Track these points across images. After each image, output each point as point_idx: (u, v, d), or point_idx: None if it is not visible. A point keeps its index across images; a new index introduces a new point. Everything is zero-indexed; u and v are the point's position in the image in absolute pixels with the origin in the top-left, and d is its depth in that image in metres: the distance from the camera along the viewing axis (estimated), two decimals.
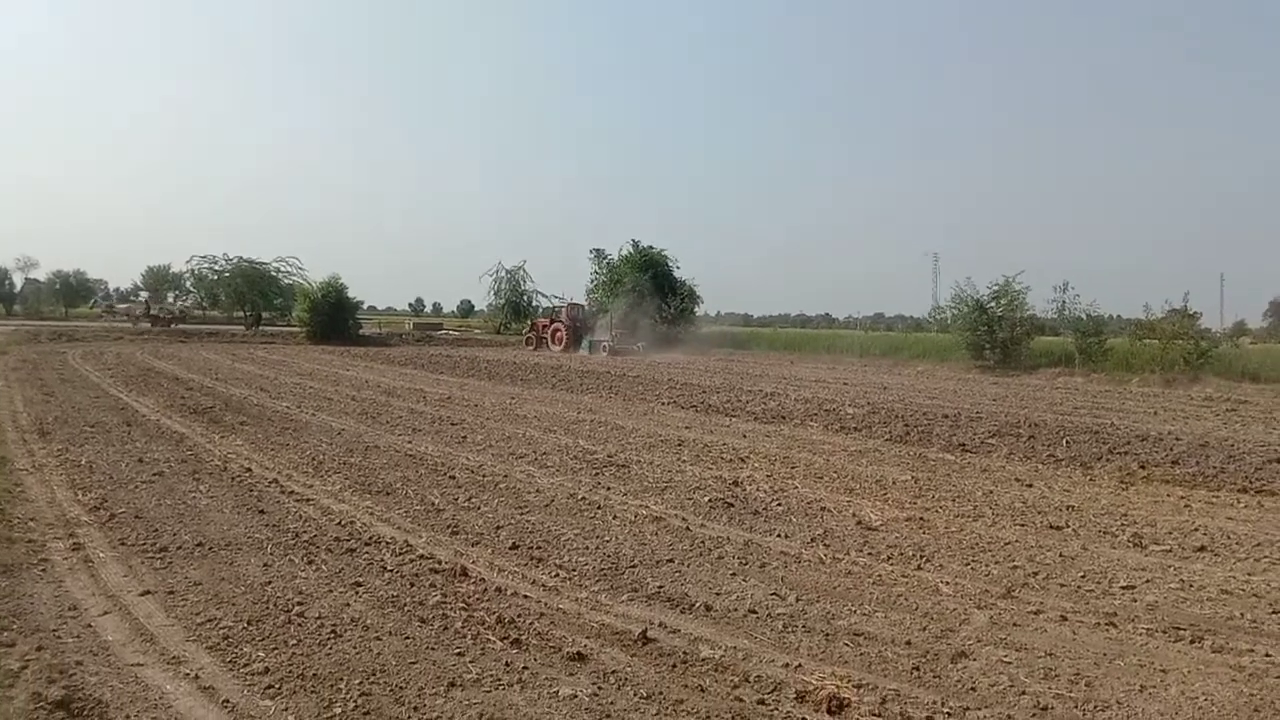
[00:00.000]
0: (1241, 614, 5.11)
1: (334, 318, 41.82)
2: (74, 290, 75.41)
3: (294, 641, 4.33)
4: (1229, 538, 6.96)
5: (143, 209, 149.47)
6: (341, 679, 3.91)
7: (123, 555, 5.78)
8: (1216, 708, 3.84)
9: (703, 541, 6.54)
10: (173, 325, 47.02)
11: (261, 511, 7.11)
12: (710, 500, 7.94)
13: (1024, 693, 3.95)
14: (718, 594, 5.32)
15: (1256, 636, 4.74)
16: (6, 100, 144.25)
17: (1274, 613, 5.14)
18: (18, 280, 75.17)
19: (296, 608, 4.81)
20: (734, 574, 5.75)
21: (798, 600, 5.22)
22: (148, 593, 5.05)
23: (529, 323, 48.44)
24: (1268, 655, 4.44)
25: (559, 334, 41.81)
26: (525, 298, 52.81)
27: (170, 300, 67.77)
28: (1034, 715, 3.75)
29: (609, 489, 8.40)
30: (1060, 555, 6.35)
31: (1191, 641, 4.64)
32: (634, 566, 5.85)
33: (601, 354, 37.48)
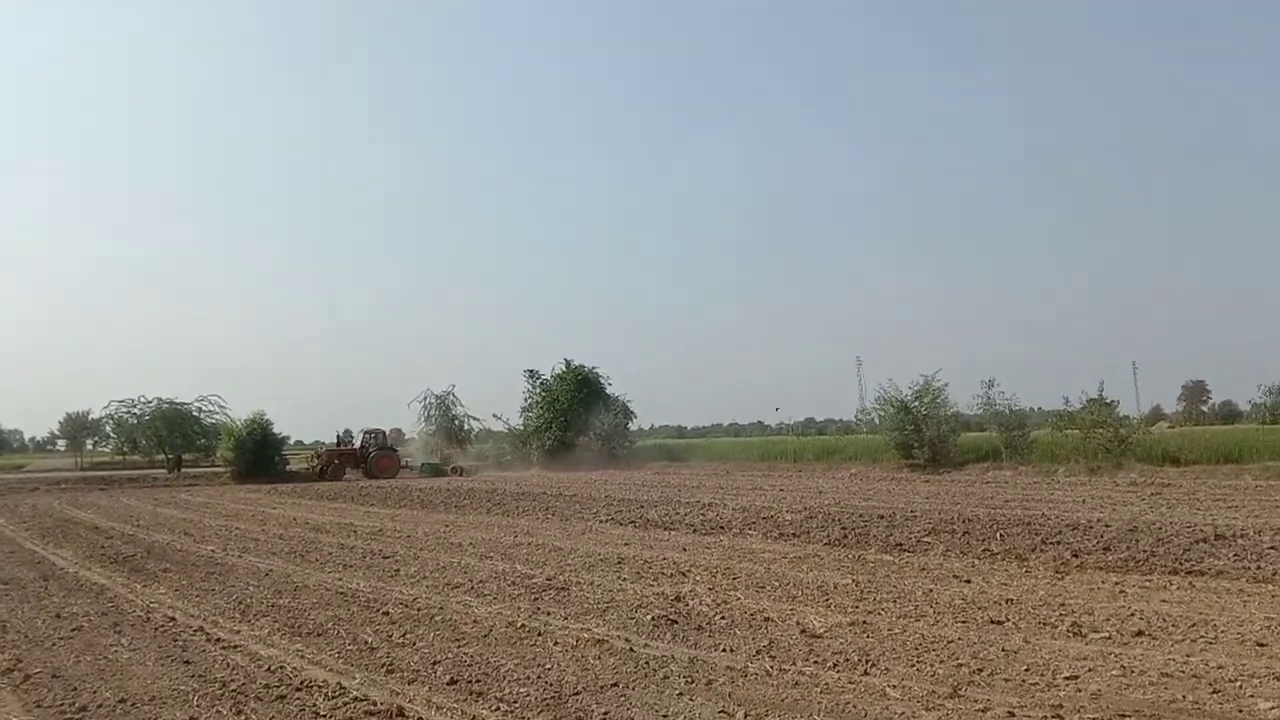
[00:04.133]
0: (1183, 695, 5.17)
1: (259, 455, 40.78)
2: None
3: None
4: (1165, 620, 7.08)
5: (61, 354, 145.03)
6: None
7: (38, 719, 5.44)
8: None
9: (647, 662, 6.40)
10: None
11: (187, 662, 6.77)
12: (653, 618, 7.81)
13: None
14: (664, 717, 5.18)
15: (1199, 718, 4.79)
16: None
17: (1214, 692, 5.21)
18: None
19: None
20: (680, 694, 5.62)
21: (746, 717, 5.12)
22: None
23: (316, 453, 47.05)
24: None
25: (387, 462, 41.69)
26: (457, 422, 52.22)
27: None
28: None
29: (549, 614, 8.20)
30: (1003, 650, 6.37)
31: None
32: (578, 694, 5.68)
33: (440, 473, 41.12)
